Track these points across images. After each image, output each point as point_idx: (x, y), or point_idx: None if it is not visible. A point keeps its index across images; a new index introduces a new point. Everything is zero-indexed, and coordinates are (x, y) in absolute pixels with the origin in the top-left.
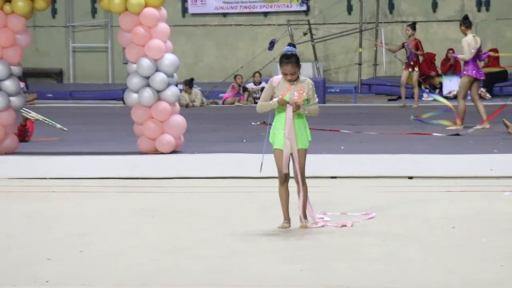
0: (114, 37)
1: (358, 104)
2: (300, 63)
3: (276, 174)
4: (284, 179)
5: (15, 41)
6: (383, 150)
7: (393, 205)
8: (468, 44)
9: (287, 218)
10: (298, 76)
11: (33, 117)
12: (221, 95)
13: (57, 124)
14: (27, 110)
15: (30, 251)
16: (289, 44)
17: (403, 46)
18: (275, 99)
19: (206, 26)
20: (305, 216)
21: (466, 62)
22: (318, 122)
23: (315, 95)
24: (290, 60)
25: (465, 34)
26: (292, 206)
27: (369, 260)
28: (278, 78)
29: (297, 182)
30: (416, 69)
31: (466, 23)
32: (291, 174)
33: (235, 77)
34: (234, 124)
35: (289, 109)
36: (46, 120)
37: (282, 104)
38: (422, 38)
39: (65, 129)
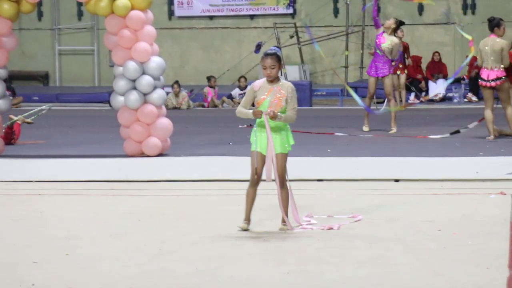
0: (100, 40)
1: (345, 107)
2: (282, 63)
3: (263, 177)
4: (256, 181)
5: (1, 44)
6: (369, 153)
7: (380, 208)
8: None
9: (247, 219)
10: (279, 78)
11: (18, 121)
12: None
13: (42, 110)
14: (13, 116)
15: (16, 254)
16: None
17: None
18: (250, 111)
19: (192, 29)
20: (284, 220)
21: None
22: (305, 124)
23: (294, 101)
24: (271, 55)
25: (394, 35)
26: (276, 208)
27: (355, 263)
28: (259, 82)
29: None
30: (405, 71)
31: (402, 24)
32: (263, 177)
33: (209, 79)
34: (220, 127)
35: (265, 118)
36: (32, 117)
37: (257, 115)
38: (408, 41)
39: (52, 107)
